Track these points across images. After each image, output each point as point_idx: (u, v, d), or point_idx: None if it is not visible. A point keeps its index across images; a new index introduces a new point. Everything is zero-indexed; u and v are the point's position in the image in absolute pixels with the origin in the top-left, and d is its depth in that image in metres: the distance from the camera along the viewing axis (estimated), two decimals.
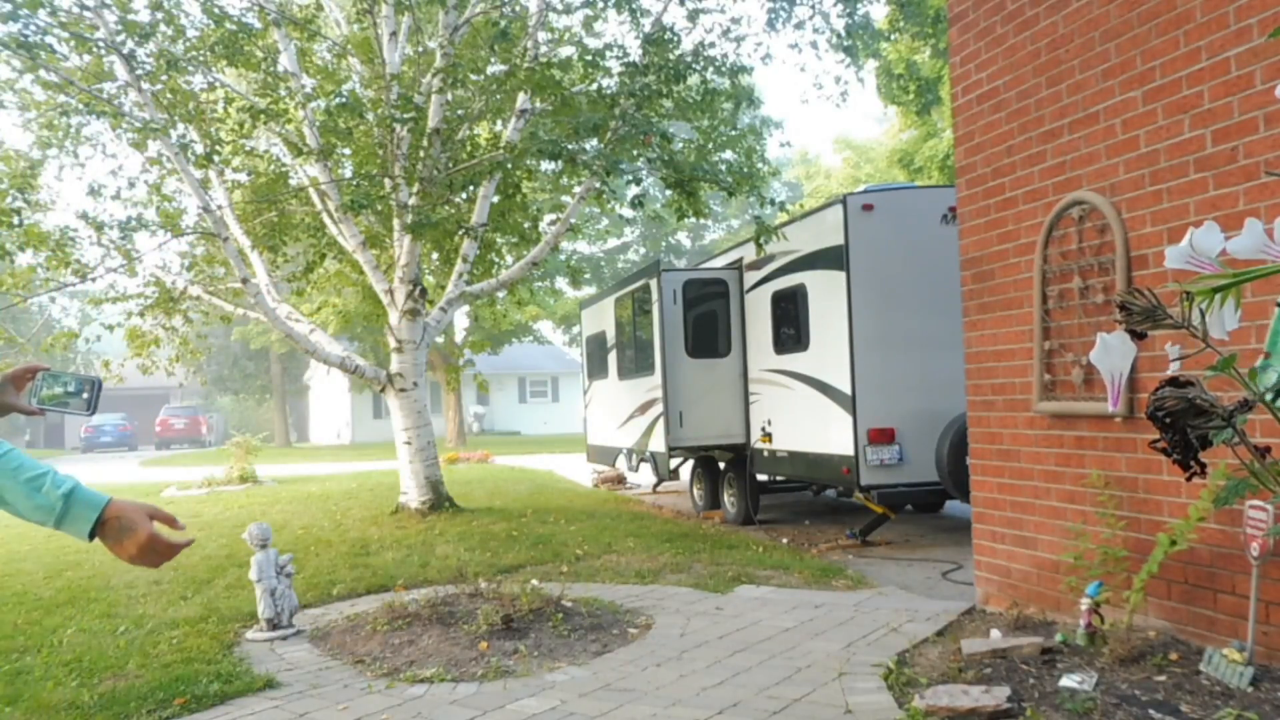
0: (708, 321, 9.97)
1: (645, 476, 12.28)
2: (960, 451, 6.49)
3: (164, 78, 9.30)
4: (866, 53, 13.93)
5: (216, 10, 9.21)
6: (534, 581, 5.98)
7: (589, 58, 9.53)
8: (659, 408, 10.04)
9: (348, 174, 11.31)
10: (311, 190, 10.56)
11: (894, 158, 20.60)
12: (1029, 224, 4.98)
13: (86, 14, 9.04)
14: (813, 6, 12.05)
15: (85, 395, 1.74)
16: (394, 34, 9.96)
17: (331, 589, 6.58)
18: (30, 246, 9.91)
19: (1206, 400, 1.16)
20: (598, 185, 10.08)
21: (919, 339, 7.61)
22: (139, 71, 9.09)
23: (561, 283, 29.06)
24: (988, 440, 5.37)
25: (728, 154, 12.26)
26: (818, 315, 8.22)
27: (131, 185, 10.55)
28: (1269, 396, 1.16)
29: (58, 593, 6.85)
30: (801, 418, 8.57)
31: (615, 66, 9.63)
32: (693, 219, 10.57)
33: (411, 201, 9.45)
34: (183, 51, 9.44)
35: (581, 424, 15.46)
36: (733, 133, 12.52)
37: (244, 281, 9.72)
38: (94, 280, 10.46)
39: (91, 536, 1.56)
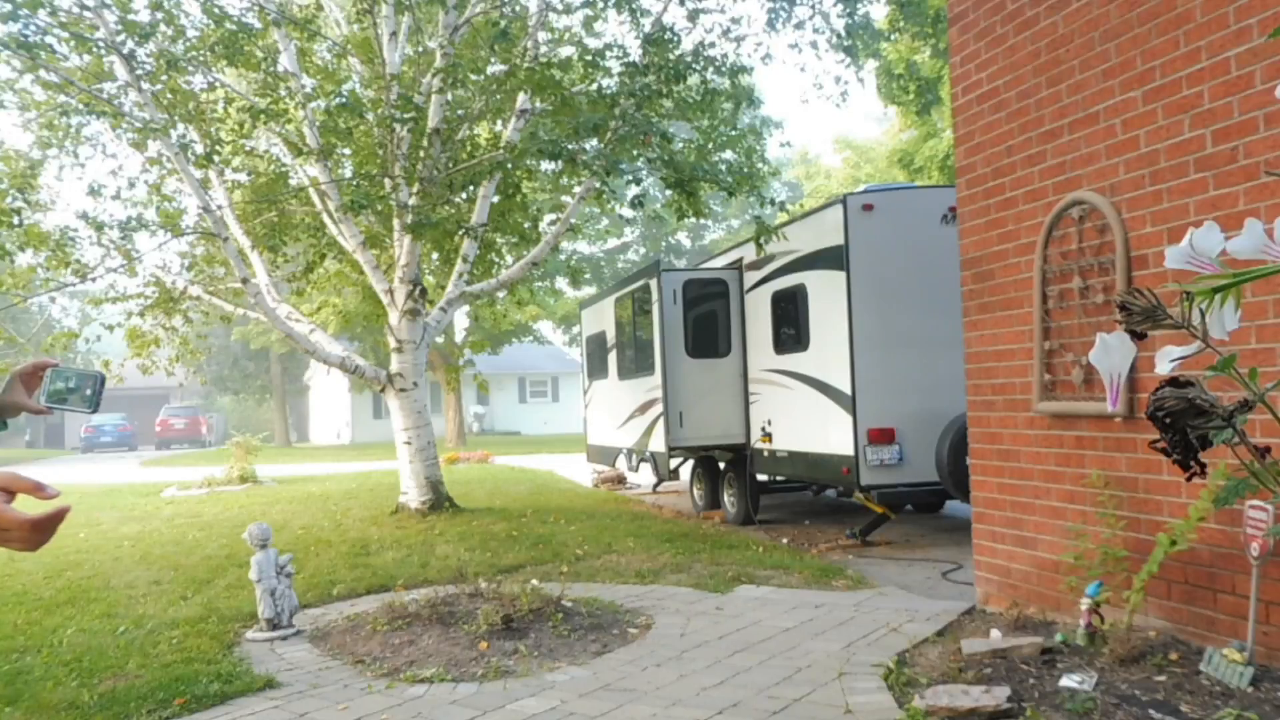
0: (708, 321, 9.97)
1: (645, 476, 12.28)
2: (960, 451, 6.48)
3: (164, 78, 9.30)
4: (866, 53, 13.93)
5: (216, 10, 9.21)
6: (534, 581, 5.98)
7: (589, 58, 9.53)
8: (659, 408, 10.04)
9: (348, 174, 11.31)
10: (311, 190, 10.56)
11: (894, 158, 20.60)
12: (1029, 224, 4.98)
13: (86, 14, 9.04)
14: (813, 6, 12.06)
15: (89, 391, 1.70)
16: (394, 34, 9.96)
17: (331, 589, 6.58)
18: (30, 246, 9.92)
19: (1206, 400, 1.16)
20: (598, 185, 10.07)
21: (919, 339, 7.61)
22: (139, 71, 9.09)
23: (561, 283, 29.08)
24: (988, 440, 5.37)
25: (728, 154, 12.25)
26: (818, 315, 8.22)
27: (131, 185, 10.57)
28: None
29: (58, 593, 6.85)
30: (801, 418, 8.57)
31: (615, 66, 9.63)
32: (693, 219, 10.57)
33: (411, 201, 9.45)
34: (183, 51, 9.44)
35: (581, 424, 15.46)
36: (733, 133, 12.51)
37: (244, 281, 9.72)
38: (94, 280, 10.47)
39: None
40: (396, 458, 10.63)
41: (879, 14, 28.43)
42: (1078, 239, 4.65)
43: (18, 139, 24.08)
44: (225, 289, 11.35)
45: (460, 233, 10.15)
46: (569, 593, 5.71)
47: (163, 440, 37.93)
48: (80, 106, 9.16)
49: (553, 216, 13.28)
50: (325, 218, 10.62)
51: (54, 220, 14.42)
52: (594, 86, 9.58)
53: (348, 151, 11.05)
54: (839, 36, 12.16)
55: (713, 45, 10.37)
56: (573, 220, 11.36)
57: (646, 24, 10.18)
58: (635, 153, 9.69)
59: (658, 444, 10.25)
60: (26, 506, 1.31)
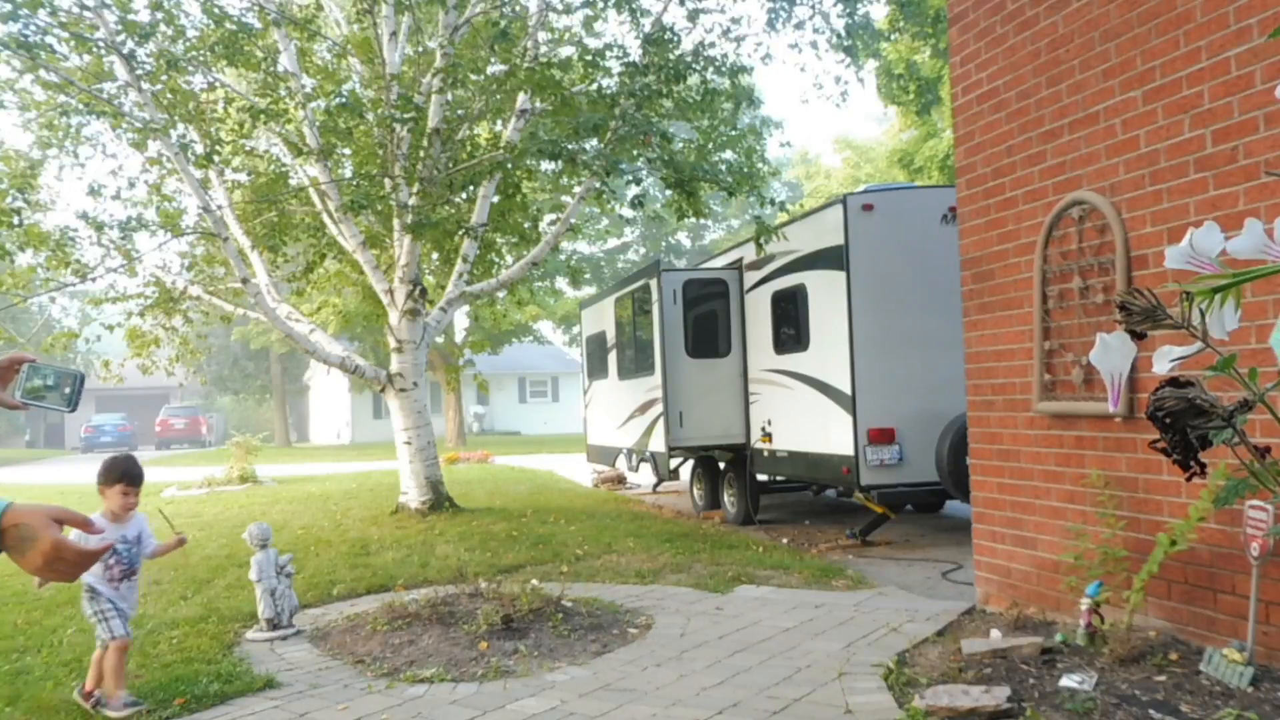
0: (708, 321, 9.97)
1: (645, 476, 12.28)
2: (960, 451, 6.48)
3: (164, 78, 9.30)
4: (866, 53, 13.92)
5: (216, 10, 9.21)
6: (534, 581, 5.98)
7: (589, 58, 9.53)
8: (659, 408, 10.04)
9: (348, 174, 11.31)
10: (311, 190, 10.56)
11: (894, 158, 20.60)
12: (1029, 224, 4.98)
13: (86, 14, 9.04)
14: (813, 6, 12.06)
15: (66, 390, 1.66)
16: (394, 34, 9.96)
17: (331, 589, 6.58)
18: (30, 246, 9.92)
19: (1206, 400, 1.16)
20: (598, 185, 10.08)
21: (919, 339, 7.61)
22: (139, 71, 9.09)
23: (561, 283, 29.07)
24: (988, 440, 5.37)
25: (728, 154, 12.26)
26: (818, 315, 8.22)
27: (131, 185, 10.57)
28: None
29: (58, 593, 6.83)
30: (801, 418, 8.57)
31: (615, 66, 9.64)
32: (693, 219, 10.57)
33: (411, 201, 9.45)
34: (183, 51, 9.44)
35: (581, 424, 15.47)
36: (733, 133, 12.52)
37: (244, 281, 9.72)
38: (94, 280, 10.47)
39: None
40: (396, 458, 10.63)
41: (879, 14, 28.43)
42: (1078, 239, 4.65)
43: (18, 139, 24.09)
44: (225, 289, 11.35)
45: (460, 233, 10.15)
46: (569, 593, 5.71)
47: (163, 440, 37.94)
48: (80, 106, 9.16)
49: (553, 216, 13.29)
50: (325, 218, 10.62)
51: (54, 220, 14.41)
52: (594, 86, 9.58)
53: (348, 151, 11.06)
54: (839, 36, 12.17)
55: (713, 45, 10.38)
56: (573, 220, 11.36)
57: (646, 24, 10.19)
58: (635, 153, 9.69)
59: (658, 444, 10.25)
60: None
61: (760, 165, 12.73)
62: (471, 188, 10.48)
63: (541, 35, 10.77)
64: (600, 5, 10.47)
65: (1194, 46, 4.02)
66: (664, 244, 39.31)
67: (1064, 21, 4.72)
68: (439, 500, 10.29)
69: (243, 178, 11.35)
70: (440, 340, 23.00)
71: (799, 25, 12.05)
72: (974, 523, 5.52)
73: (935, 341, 7.42)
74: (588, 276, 31.09)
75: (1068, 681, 3.81)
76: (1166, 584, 4.22)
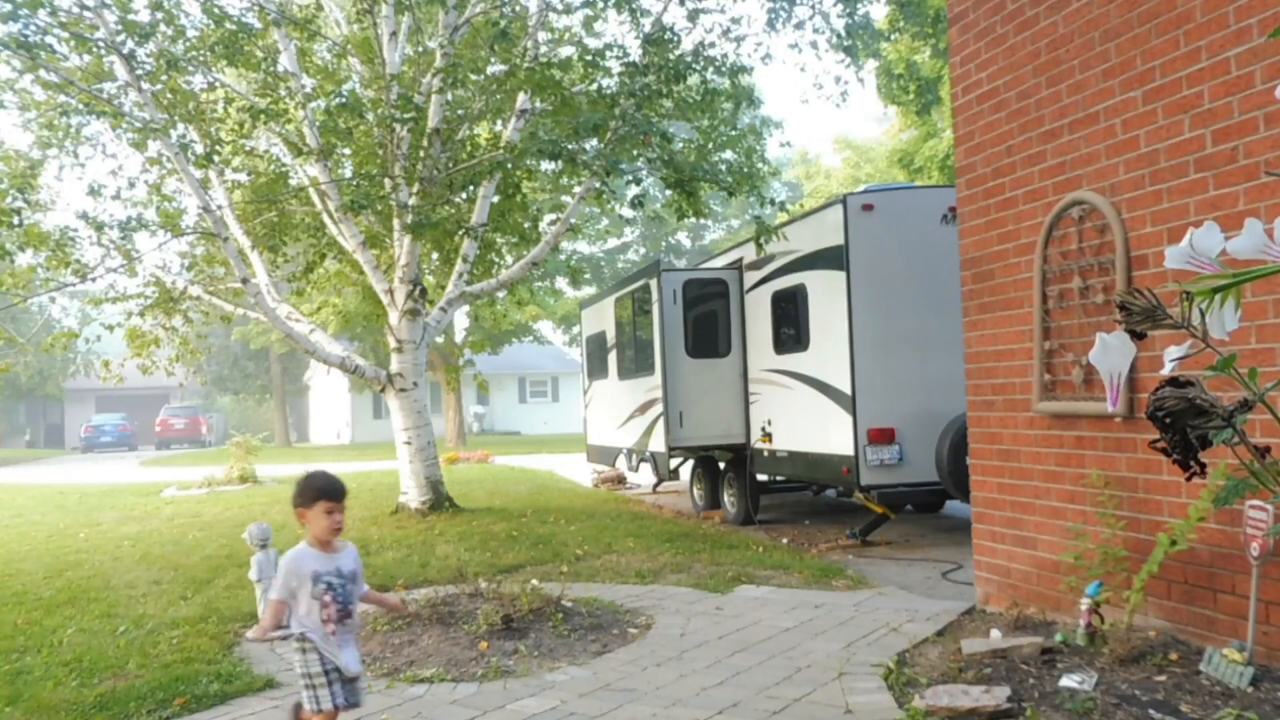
0: (708, 321, 9.97)
1: (645, 476, 12.28)
2: (960, 451, 6.49)
3: (164, 78, 9.30)
4: (866, 53, 13.92)
5: (216, 10, 9.21)
6: (534, 581, 5.98)
7: (589, 58, 9.53)
8: (659, 408, 10.04)
9: (348, 174, 11.31)
10: (311, 190, 10.56)
11: (894, 158, 20.60)
12: (1029, 224, 4.98)
13: (86, 14, 9.04)
14: (813, 6, 12.06)
15: None
16: (394, 34, 9.96)
17: None
18: (30, 246, 9.92)
19: (1206, 400, 1.16)
20: (598, 185, 10.08)
21: (919, 339, 7.61)
22: (139, 71, 9.09)
23: (561, 283, 29.08)
24: (988, 440, 5.37)
25: (728, 154, 12.25)
26: (818, 315, 8.22)
27: (131, 185, 10.57)
28: None
29: (58, 593, 6.85)
30: (801, 418, 8.57)
31: (615, 66, 9.63)
32: (693, 219, 10.57)
33: (411, 201, 9.45)
34: (183, 51, 9.44)
35: (581, 424, 15.47)
36: (733, 133, 12.51)
37: (244, 281, 9.72)
38: (94, 280, 10.48)
39: None
40: (396, 458, 10.63)
41: (879, 14, 28.43)
42: (1078, 239, 4.65)
43: (18, 139, 24.10)
44: (225, 289, 11.35)
45: (460, 233, 10.15)
46: (569, 593, 5.71)
47: (163, 440, 37.94)
48: (80, 106, 9.16)
49: (553, 216, 13.29)
50: (325, 218, 10.62)
51: (54, 220, 14.44)
52: (594, 86, 9.58)
53: (348, 151, 11.06)
54: (839, 36, 12.17)
55: (713, 45, 10.38)
56: (573, 220, 11.36)
57: (646, 24, 10.19)
58: (635, 153, 9.69)
59: (658, 444, 10.25)
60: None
61: (760, 165, 12.73)
62: (471, 188, 10.48)
63: (541, 35, 10.77)
64: (600, 5, 10.47)
65: (1194, 46, 4.02)
66: (664, 244, 39.30)
67: (1064, 21, 4.72)
68: (439, 500, 10.29)
69: (243, 178, 11.35)
70: (440, 340, 23.00)
71: (799, 25, 12.05)
72: (974, 523, 5.52)
73: (935, 341, 7.42)
74: (588, 276, 31.10)
75: (1068, 681, 3.81)
76: (1166, 584, 4.22)
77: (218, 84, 10.42)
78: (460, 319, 25.93)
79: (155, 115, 9.11)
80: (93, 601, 6.48)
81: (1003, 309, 5.20)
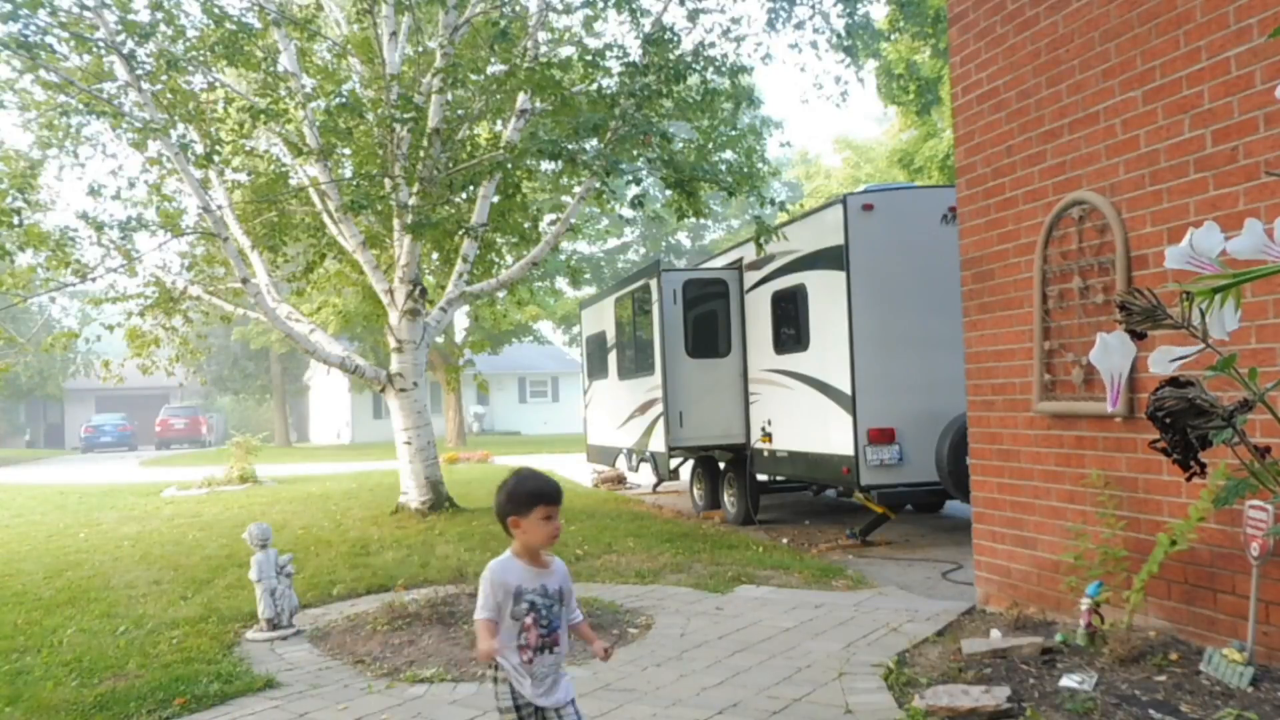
0: (708, 321, 9.97)
1: (645, 476, 12.28)
2: (960, 451, 6.49)
3: (164, 78, 9.30)
4: (866, 53, 13.93)
5: (216, 10, 9.21)
6: None
7: (589, 58, 9.53)
8: (659, 408, 10.04)
9: (348, 174, 11.32)
10: (311, 190, 10.56)
11: (894, 158, 20.59)
12: (1029, 224, 4.98)
13: (86, 14, 9.04)
14: (813, 6, 12.07)
15: None
16: (394, 34, 9.96)
17: (331, 589, 6.58)
18: (30, 246, 9.93)
19: (1206, 400, 1.16)
20: (598, 185, 10.08)
21: (919, 339, 7.61)
22: (139, 71, 9.09)
23: (561, 283, 29.07)
24: (988, 440, 5.37)
25: (728, 154, 12.26)
26: (818, 315, 8.22)
27: (131, 185, 10.57)
28: None
29: (58, 593, 6.85)
30: (801, 418, 8.57)
31: (615, 66, 9.63)
32: (693, 219, 10.57)
33: (411, 201, 9.45)
34: (183, 51, 9.44)
35: (581, 424, 15.47)
36: (733, 133, 12.52)
37: (244, 281, 9.73)
38: (94, 280, 10.48)
39: None
40: (396, 458, 10.63)
41: (879, 14, 28.42)
42: (1078, 239, 4.65)
43: (18, 139, 24.09)
44: (225, 289, 11.35)
45: (460, 233, 10.15)
46: None
47: (163, 440, 37.94)
48: (80, 106, 9.16)
49: (553, 216, 13.28)
50: (325, 218, 10.62)
51: (54, 220, 14.44)
52: (594, 86, 9.58)
53: (348, 151, 11.06)
54: (839, 36, 12.17)
55: (713, 45, 10.38)
56: (573, 220, 11.36)
57: (646, 24, 10.18)
58: (635, 153, 9.69)
59: (658, 444, 10.25)
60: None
61: (760, 165, 12.74)
62: (471, 188, 10.48)
63: (541, 35, 10.77)
64: (600, 5, 10.47)
65: (1194, 46, 4.02)
66: (664, 244, 39.30)
67: (1064, 21, 4.72)
68: (439, 500, 10.29)
69: (243, 178, 11.36)
70: (440, 340, 23.01)
71: (799, 25, 12.06)
72: (974, 523, 5.52)
73: (935, 341, 7.42)
74: (588, 276, 31.10)
75: (1068, 681, 3.81)
76: (1166, 584, 4.22)
77: (218, 84, 10.42)
78: (460, 319, 25.93)
79: (155, 115, 9.11)
80: (93, 601, 6.48)
81: (1003, 309, 5.20)
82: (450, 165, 9.92)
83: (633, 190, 10.87)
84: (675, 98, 10.15)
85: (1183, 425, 1.16)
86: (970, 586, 5.78)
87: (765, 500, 10.20)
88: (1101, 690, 3.71)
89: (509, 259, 12.42)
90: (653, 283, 10.17)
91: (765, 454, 9.26)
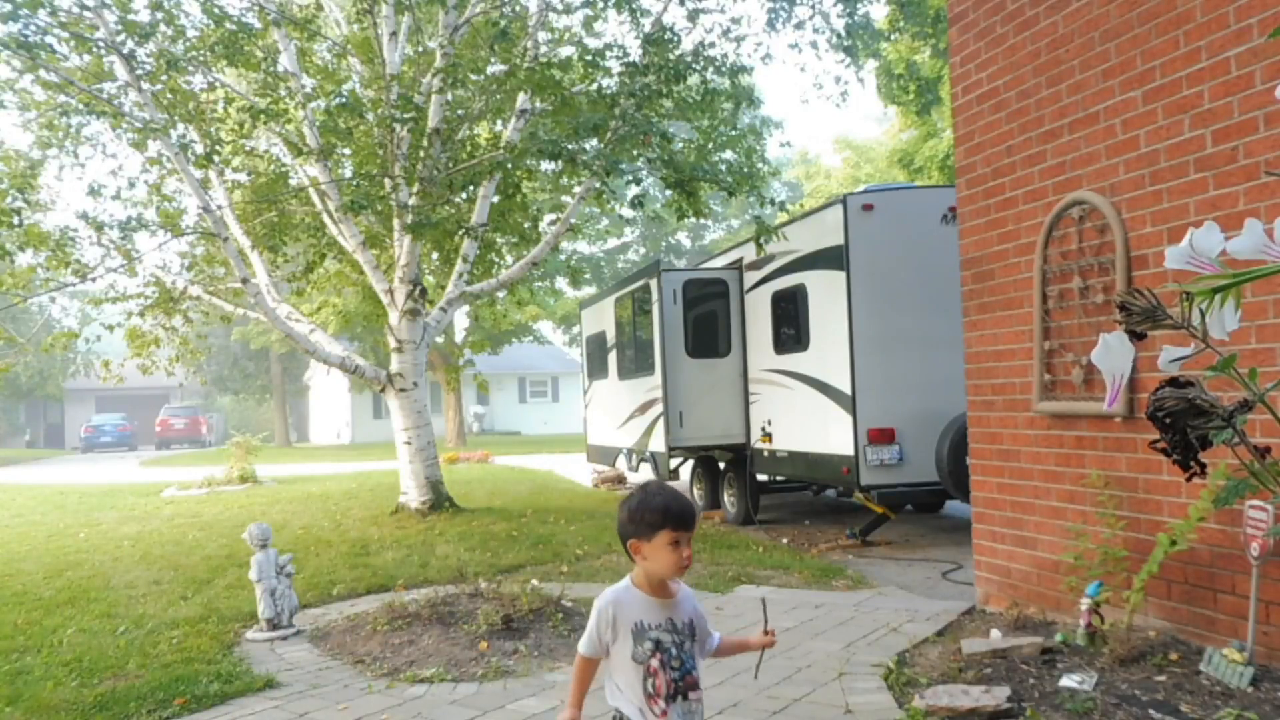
0: (708, 321, 9.98)
1: (645, 476, 12.28)
2: (960, 451, 6.49)
3: (164, 78, 9.30)
4: (866, 53, 13.92)
5: (216, 10, 9.21)
6: (534, 581, 5.98)
7: (589, 58, 9.53)
8: (659, 408, 10.04)
9: (348, 174, 11.31)
10: (311, 190, 10.56)
11: (894, 158, 20.59)
12: (1029, 224, 4.98)
13: (86, 14, 9.04)
14: (813, 6, 12.06)
15: None
16: (394, 34, 9.96)
17: (331, 589, 6.58)
18: (30, 246, 9.92)
19: (1206, 400, 1.16)
20: (598, 185, 10.08)
21: (919, 339, 7.61)
22: (139, 71, 9.09)
23: (561, 283, 29.06)
24: (988, 440, 5.37)
25: (728, 154, 12.25)
26: (818, 315, 8.23)
27: (131, 185, 10.57)
28: None
29: (58, 593, 6.85)
30: (801, 418, 8.57)
31: (615, 66, 9.63)
32: (693, 219, 10.57)
33: (411, 201, 9.45)
34: (183, 51, 9.44)
35: (581, 424, 15.47)
36: (733, 133, 12.50)
37: (244, 281, 9.73)
38: (94, 280, 10.47)
39: None
40: (396, 458, 10.63)
41: (879, 14, 28.42)
42: (1078, 239, 4.65)
43: (18, 139, 24.08)
44: (225, 289, 11.35)
45: (460, 233, 10.15)
46: (569, 593, 5.71)
47: (163, 440, 37.95)
48: (80, 106, 9.16)
49: (553, 216, 13.28)
50: (325, 218, 10.62)
51: (54, 220, 14.43)
52: (594, 86, 9.58)
53: (348, 151, 11.06)
54: (839, 36, 12.16)
55: (713, 45, 10.37)
56: (573, 220, 11.36)
57: (646, 24, 10.18)
58: (635, 153, 9.68)
59: (658, 444, 10.25)
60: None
61: (760, 165, 12.73)
62: (471, 188, 10.48)
63: (541, 35, 10.77)
64: (600, 5, 10.47)
65: (1194, 46, 4.02)
66: (664, 244, 39.30)
67: (1064, 21, 4.72)
68: (439, 500, 10.29)
69: (243, 178, 11.35)
70: (440, 340, 23.00)
71: (799, 25, 12.05)
72: (974, 523, 5.52)
73: (935, 341, 7.42)
74: (588, 276, 31.10)
75: (1068, 681, 3.81)
76: (1166, 584, 4.22)
77: (218, 84, 10.42)
78: (460, 319, 25.93)
79: (155, 115, 9.11)
80: (93, 601, 6.48)
81: (1003, 309, 5.20)
82: (450, 165, 9.92)
83: (633, 190, 10.87)
84: (675, 98, 10.15)
85: (1183, 425, 1.16)
86: (970, 586, 5.78)
87: (765, 500, 10.20)
88: (1101, 690, 3.71)
89: (509, 259, 12.42)
90: (653, 283, 10.17)
91: (765, 454, 9.26)
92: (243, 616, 5.77)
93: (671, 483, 11.96)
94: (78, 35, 8.88)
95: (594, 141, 9.39)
